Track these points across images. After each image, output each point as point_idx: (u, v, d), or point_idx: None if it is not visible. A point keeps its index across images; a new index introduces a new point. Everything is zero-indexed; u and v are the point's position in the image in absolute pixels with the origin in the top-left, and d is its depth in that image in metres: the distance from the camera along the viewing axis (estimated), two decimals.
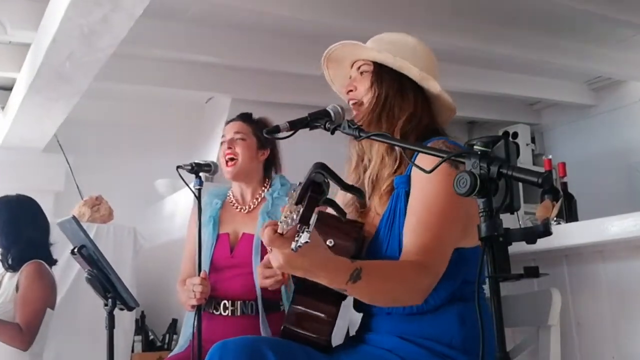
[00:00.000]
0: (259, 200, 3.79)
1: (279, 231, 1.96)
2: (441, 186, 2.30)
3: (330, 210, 2.43)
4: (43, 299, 4.20)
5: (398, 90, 2.58)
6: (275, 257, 2.01)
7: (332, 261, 2.07)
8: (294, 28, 6.00)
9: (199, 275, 3.46)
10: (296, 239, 1.83)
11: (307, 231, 1.82)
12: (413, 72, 2.58)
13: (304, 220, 1.84)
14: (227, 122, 3.93)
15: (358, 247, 2.43)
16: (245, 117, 3.90)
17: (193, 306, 3.45)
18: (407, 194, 2.40)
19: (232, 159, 3.75)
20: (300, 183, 1.97)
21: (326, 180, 1.97)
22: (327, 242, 2.33)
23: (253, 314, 3.55)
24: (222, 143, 3.84)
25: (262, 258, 3.29)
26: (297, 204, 1.92)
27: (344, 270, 2.07)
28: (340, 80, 2.85)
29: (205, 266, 3.61)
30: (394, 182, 2.47)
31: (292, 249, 1.84)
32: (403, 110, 2.56)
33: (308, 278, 2.10)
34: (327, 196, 2.00)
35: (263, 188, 3.83)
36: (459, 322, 2.34)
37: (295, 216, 1.88)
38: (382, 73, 2.61)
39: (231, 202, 3.85)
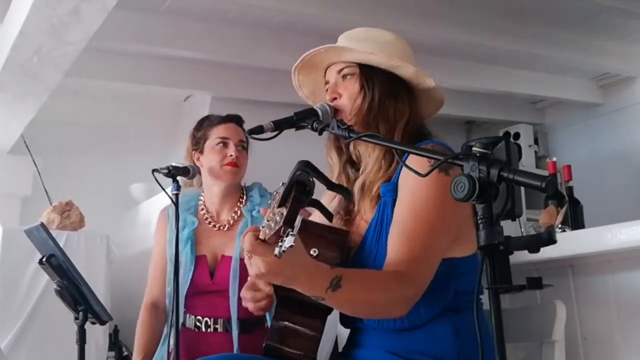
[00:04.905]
0: (237, 216, 3.81)
1: (260, 237, 1.95)
2: (430, 192, 2.31)
3: (315, 215, 2.43)
4: None
5: (391, 91, 2.58)
6: (256, 265, 1.99)
7: (313, 266, 2.07)
8: (279, 21, 6.00)
9: (174, 294, 3.48)
10: (280, 243, 1.81)
11: (291, 234, 1.81)
12: (409, 70, 2.58)
13: (288, 222, 1.83)
14: (224, 119, 3.92)
15: (344, 257, 2.43)
16: (241, 124, 3.93)
17: None
18: (394, 202, 2.41)
19: (235, 164, 3.79)
20: (283, 184, 1.96)
21: (311, 179, 1.96)
22: (311, 252, 2.33)
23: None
24: (222, 143, 3.86)
25: (240, 281, 3.34)
26: (280, 205, 1.90)
27: (324, 276, 2.08)
28: (309, 86, 2.86)
29: (183, 290, 3.63)
30: (380, 190, 2.47)
31: (276, 255, 1.82)
32: (399, 112, 2.57)
33: (286, 285, 2.10)
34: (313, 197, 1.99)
35: (240, 200, 3.85)
36: (452, 335, 2.35)
37: (278, 218, 1.86)
38: (371, 75, 2.60)
39: (205, 218, 3.87)
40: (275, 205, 1.94)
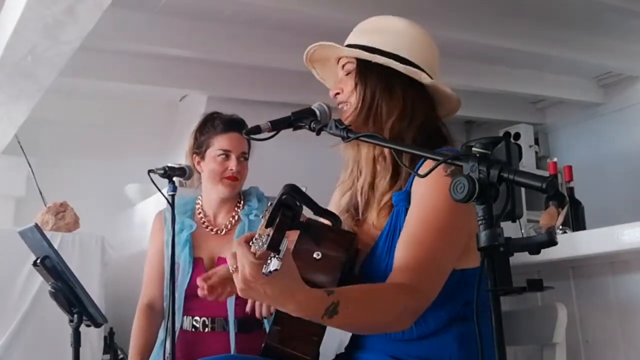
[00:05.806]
0: (235, 220, 3.81)
1: (251, 250, 1.93)
2: (441, 201, 2.26)
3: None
4: None
5: (385, 87, 2.51)
6: (242, 275, 1.94)
7: (303, 293, 2.00)
8: (275, 20, 6.00)
9: (170, 296, 3.48)
10: (268, 262, 1.82)
11: (277, 258, 1.80)
12: (398, 68, 2.50)
13: (272, 247, 1.82)
14: (227, 127, 3.89)
15: (349, 258, 2.42)
16: (242, 131, 3.89)
17: None
18: (407, 211, 2.36)
19: (236, 178, 3.78)
20: (271, 203, 1.95)
21: (298, 203, 1.95)
22: (314, 255, 2.33)
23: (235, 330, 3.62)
24: (225, 155, 3.84)
25: None
26: (267, 226, 1.90)
27: (319, 304, 2.02)
28: (332, 78, 2.77)
29: (181, 292, 3.62)
30: (393, 199, 2.43)
31: (264, 273, 1.81)
32: (391, 108, 2.49)
33: (276, 307, 2.09)
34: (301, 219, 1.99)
35: (238, 204, 3.85)
36: (458, 343, 2.32)
37: (264, 239, 1.86)
38: (366, 70, 2.53)
39: (203, 222, 3.87)
40: (263, 225, 1.94)
